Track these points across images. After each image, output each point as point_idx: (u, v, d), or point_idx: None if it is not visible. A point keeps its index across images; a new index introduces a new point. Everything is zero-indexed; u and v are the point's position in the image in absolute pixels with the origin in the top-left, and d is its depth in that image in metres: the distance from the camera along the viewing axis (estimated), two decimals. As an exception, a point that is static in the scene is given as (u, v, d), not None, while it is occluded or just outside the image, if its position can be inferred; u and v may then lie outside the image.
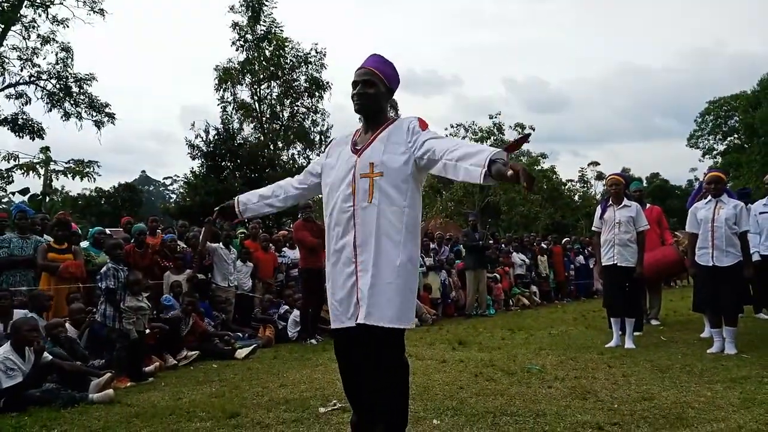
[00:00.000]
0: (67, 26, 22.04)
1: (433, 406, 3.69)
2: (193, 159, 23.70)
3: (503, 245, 13.45)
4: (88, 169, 21.36)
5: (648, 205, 7.83)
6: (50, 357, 4.52)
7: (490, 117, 31.00)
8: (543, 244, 14.32)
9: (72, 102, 22.98)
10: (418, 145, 2.45)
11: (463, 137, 31.53)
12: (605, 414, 3.41)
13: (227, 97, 27.23)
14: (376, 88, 2.55)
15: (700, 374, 4.46)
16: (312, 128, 28.86)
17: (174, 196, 48.29)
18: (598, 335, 6.83)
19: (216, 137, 23.68)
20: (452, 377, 4.60)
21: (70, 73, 22.79)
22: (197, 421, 3.53)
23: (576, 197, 38.86)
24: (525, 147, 32.86)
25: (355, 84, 2.59)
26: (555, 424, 3.24)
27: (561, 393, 3.97)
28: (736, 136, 43.87)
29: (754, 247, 5.94)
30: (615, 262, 5.93)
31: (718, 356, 5.24)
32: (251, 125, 27.72)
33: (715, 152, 45.74)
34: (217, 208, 3.11)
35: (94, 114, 23.28)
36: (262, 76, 27.01)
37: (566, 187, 38.37)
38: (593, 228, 6.43)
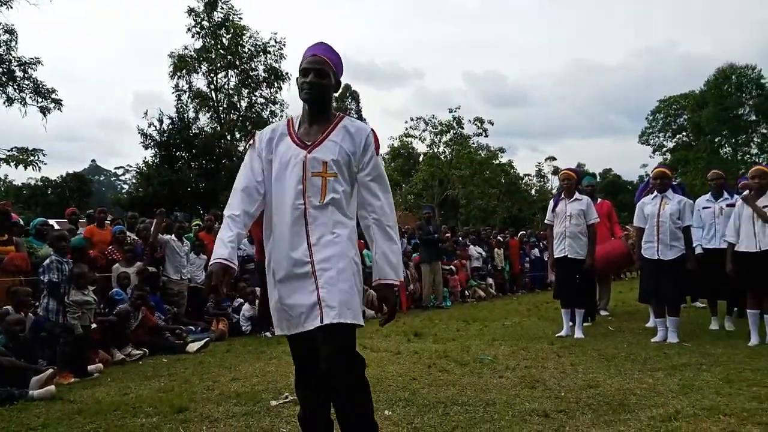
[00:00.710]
0: (11, 7, 20.99)
1: (385, 398, 3.70)
2: (146, 149, 23.06)
3: (460, 238, 13.62)
4: (32, 158, 20.41)
5: (599, 200, 8.05)
6: (-13, 353, 4.32)
7: (450, 111, 31.25)
8: (499, 237, 14.57)
9: (15, 87, 21.94)
10: (366, 172, 2.43)
11: (423, 130, 31.74)
12: (552, 402, 3.49)
13: (182, 86, 26.52)
14: (328, 79, 2.44)
15: (644, 362, 4.62)
16: (270, 119, 28.43)
17: (126, 186, 46.87)
18: (549, 326, 7.00)
19: (170, 126, 23.09)
20: (406, 368, 4.63)
21: (13, 57, 21.72)
22: (143, 417, 3.43)
23: (533, 191, 39.69)
24: (484, 141, 33.31)
25: (306, 71, 2.43)
26: (504, 413, 3.30)
27: (511, 382, 4.05)
28: (684, 134, 45.61)
29: (696, 240, 6.17)
30: (566, 254, 6.08)
31: (661, 345, 5.45)
32: (207, 115, 27.10)
33: (664, 149, 47.45)
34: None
35: (40, 100, 22.27)
36: (219, 65, 26.42)
37: (523, 181, 39.13)
38: (546, 221, 6.57)
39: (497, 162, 33.90)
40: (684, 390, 3.63)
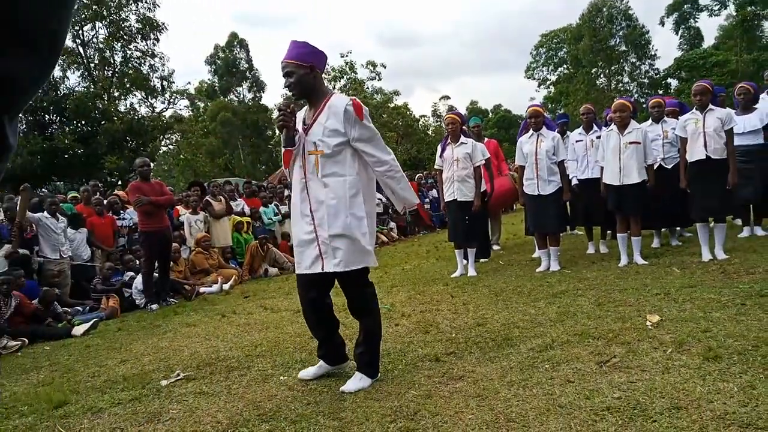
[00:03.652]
0: None
1: (282, 361, 3.69)
2: (8, 114, 20.63)
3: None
4: None
5: (486, 139, 8.31)
6: None
7: (342, 56, 30.59)
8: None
9: None
10: (356, 138, 2.94)
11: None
12: (443, 345, 3.63)
13: (43, 41, 23.79)
14: (296, 75, 2.94)
15: (528, 293, 4.92)
16: (151, 74, 26.43)
17: (-6, 157, 42.07)
18: (446, 266, 7.26)
19: (34, 88, 20.76)
20: (304, 328, 4.55)
21: None
22: (17, 418, 3.18)
23: (430, 131, 40.35)
24: (378, 84, 33.15)
25: (284, 78, 3.00)
26: (397, 362, 3.39)
27: (406, 329, 4.17)
28: (565, 66, 47.98)
29: (572, 173, 6.58)
30: (455, 198, 6.26)
31: (544, 274, 5.83)
32: (77, 73, 24.67)
33: (548, 82, 49.80)
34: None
35: None
36: (83, 16, 23.88)
37: (420, 122, 39.61)
38: (435, 166, 6.69)
39: (393, 105, 33.96)
40: (561, 317, 3.91)
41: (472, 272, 6.32)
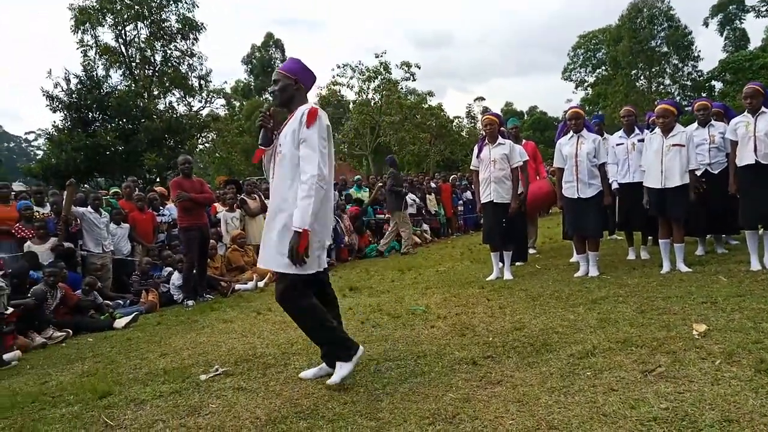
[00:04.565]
0: None
1: (317, 360, 3.68)
2: (54, 112, 21.37)
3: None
4: None
5: (524, 141, 8.20)
6: None
7: (377, 56, 30.65)
8: (432, 183, 14.71)
9: None
10: (299, 144, 3.06)
11: (351, 77, 31.10)
12: (480, 348, 3.59)
13: (87, 41, 24.56)
14: (281, 83, 3.21)
15: (567, 299, 4.83)
16: (189, 73, 26.99)
17: (40, 153, 43.72)
18: (481, 269, 7.20)
19: (79, 86, 21.41)
20: None
21: None
22: (63, 407, 3.28)
23: (464, 133, 40.07)
24: (412, 84, 33.06)
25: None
26: (434, 364, 3.37)
27: (442, 332, 4.14)
28: (603, 68, 47.06)
29: (612, 176, 6.43)
30: (492, 199, 6.19)
31: (583, 279, 5.71)
32: (119, 72, 25.36)
33: (586, 84, 48.92)
34: None
35: None
36: (126, 16, 24.55)
37: (454, 123, 39.39)
38: (471, 167, 6.63)
39: (427, 106, 33.85)
40: (602, 324, 3.82)
41: (508, 276, 6.24)
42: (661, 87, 43.24)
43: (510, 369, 3.12)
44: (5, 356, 4.81)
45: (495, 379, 2.99)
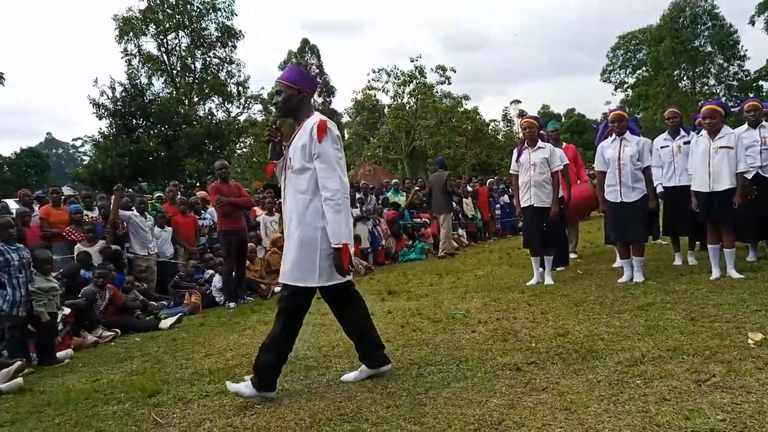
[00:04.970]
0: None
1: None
2: (100, 119, 22.13)
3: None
4: (-21, 136, 19.48)
5: (564, 144, 8.07)
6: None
7: (412, 60, 30.70)
8: (468, 187, 14.61)
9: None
10: (314, 157, 3.05)
11: (386, 82, 31.22)
12: (523, 354, 3.54)
13: (131, 50, 25.36)
14: (284, 94, 3.20)
15: (611, 305, 4.72)
16: (228, 80, 27.57)
17: (87, 158, 45.27)
18: (520, 273, 7.10)
19: (123, 94, 22.12)
20: (379, 330, 4.55)
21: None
22: (115, 404, 3.38)
23: (500, 136, 39.71)
24: (448, 88, 32.93)
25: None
26: (477, 369, 3.34)
27: (483, 337, 4.10)
28: (644, 69, 45.91)
29: (657, 180, 6.26)
30: (532, 203, 6.11)
31: (627, 285, 5.56)
32: (161, 79, 26.11)
33: (626, 85, 47.81)
34: None
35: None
36: (167, 26, 25.28)
37: (490, 126, 39.09)
38: (511, 171, 6.56)
39: (462, 109, 33.69)
40: (650, 331, 3.72)
41: (549, 280, 6.15)
42: (706, 87, 41.91)
43: (555, 376, 3.07)
44: (58, 354, 4.99)
45: (540, 385, 2.95)
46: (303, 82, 3.26)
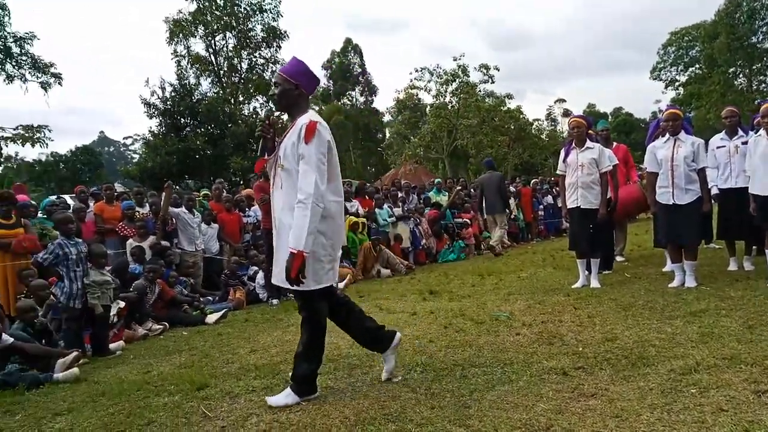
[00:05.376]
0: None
1: (402, 362, 3.70)
2: (150, 118, 22.87)
3: (473, 190, 13.50)
4: (38, 135, 20.42)
5: (614, 144, 7.85)
6: (11, 340, 4.38)
7: (455, 59, 30.48)
8: (511, 187, 14.41)
9: (14, 63, 21.71)
10: (299, 158, 2.97)
11: (429, 81, 31.12)
12: (570, 358, 3.47)
13: (181, 51, 26.10)
14: (281, 87, 3.10)
15: (662, 310, 4.57)
16: (272, 79, 28.03)
17: (136, 156, 46.83)
18: (565, 276, 6.96)
19: (173, 94, 22.79)
20: (422, 330, 4.64)
21: (8, 33, 21.44)
22: (165, 396, 3.48)
23: (543, 136, 39.01)
24: (491, 87, 32.53)
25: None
26: (522, 373, 3.29)
27: (528, 339, 4.04)
28: (697, 66, 44.25)
29: (712, 181, 6.02)
30: (579, 205, 5.98)
31: (678, 290, 5.38)
32: (208, 79, 26.76)
33: (677, 83, 46.20)
34: None
35: (39, 75, 22.06)
36: (215, 27, 25.90)
37: (533, 126, 38.45)
38: (558, 171, 6.44)
39: (505, 108, 33.24)
40: (704, 338, 3.58)
41: (595, 284, 6.00)
42: (763, 85, 40.03)
43: (604, 382, 2.99)
44: (111, 346, 5.18)
45: (588, 391, 2.88)
46: (303, 78, 3.14)
